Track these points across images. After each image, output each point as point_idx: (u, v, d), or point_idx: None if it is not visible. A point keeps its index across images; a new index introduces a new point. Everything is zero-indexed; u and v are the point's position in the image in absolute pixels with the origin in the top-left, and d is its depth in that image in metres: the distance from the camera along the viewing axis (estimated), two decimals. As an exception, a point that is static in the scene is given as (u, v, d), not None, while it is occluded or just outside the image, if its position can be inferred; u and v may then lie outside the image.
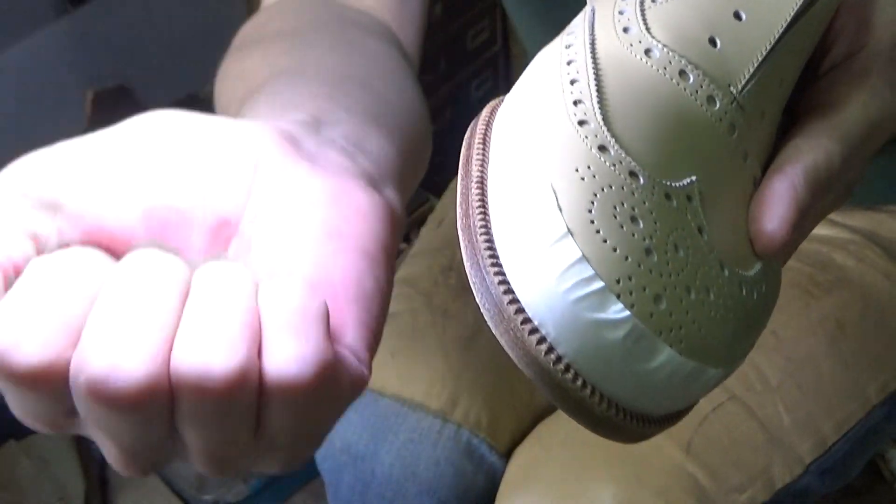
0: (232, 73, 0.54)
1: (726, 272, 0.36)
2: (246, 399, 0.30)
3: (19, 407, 0.31)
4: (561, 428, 0.74)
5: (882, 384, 0.74)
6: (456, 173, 1.05)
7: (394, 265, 0.37)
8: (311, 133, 0.39)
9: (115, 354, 0.28)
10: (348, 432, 0.77)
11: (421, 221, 1.30)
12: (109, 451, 0.32)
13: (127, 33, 1.32)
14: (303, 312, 0.31)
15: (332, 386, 0.31)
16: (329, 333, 0.31)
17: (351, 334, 0.33)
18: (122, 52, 1.32)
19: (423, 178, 1.67)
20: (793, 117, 0.42)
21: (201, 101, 1.42)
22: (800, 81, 0.42)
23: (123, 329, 0.29)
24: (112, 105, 1.33)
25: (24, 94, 1.25)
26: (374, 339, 0.35)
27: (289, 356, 0.30)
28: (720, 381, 0.37)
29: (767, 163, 0.40)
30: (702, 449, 0.70)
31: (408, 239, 1.42)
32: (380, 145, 0.42)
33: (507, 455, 0.77)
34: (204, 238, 0.34)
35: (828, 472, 0.73)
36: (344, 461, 0.78)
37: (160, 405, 0.29)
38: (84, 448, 1.31)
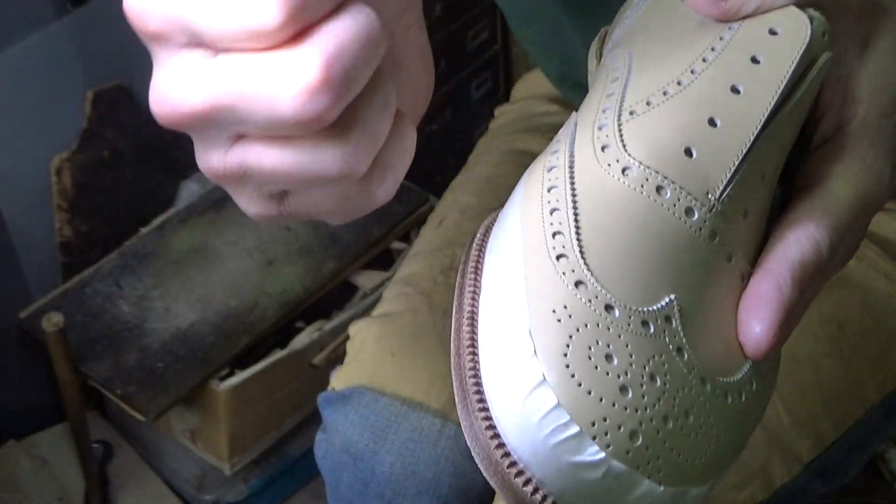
0: None
1: (708, 387, 0.37)
2: None
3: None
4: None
5: (881, 383, 0.74)
6: (455, 173, 1.05)
7: None
8: None
9: None
10: (348, 431, 0.77)
11: (422, 222, 1.30)
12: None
13: (127, 33, 1.31)
14: None
15: None
16: None
17: None
18: (122, 52, 1.32)
19: (423, 179, 1.67)
20: (788, 187, 0.42)
21: (201, 101, 1.42)
22: (796, 150, 0.42)
23: None
24: (112, 105, 1.33)
25: (24, 94, 1.25)
26: None
27: None
28: (706, 494, 0.38)
29: (758, 254, 0.40)
30: (701, 448, 0.70)
31: (408, 239, 1.42)
32: None
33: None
34: None
35: (826, 471, 0.73)
36: (344, 460, 0.78)
37: None
38: (84, 448, 1.31)
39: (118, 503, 1.36)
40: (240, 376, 1.25)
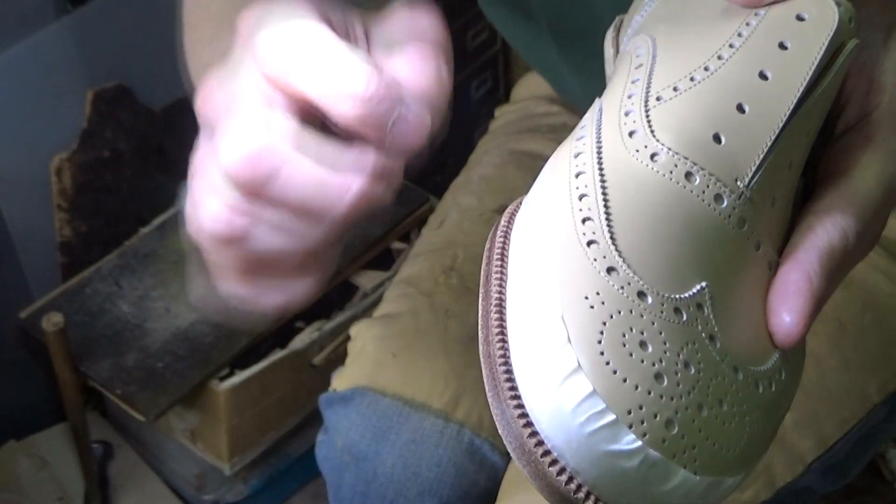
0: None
1: (740, 376, 0.37)
2: None
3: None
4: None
5: (882, 383, 0.74)
6: (456, 173, 1.05)
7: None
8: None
9: None
10: (350, 432, 0.77)
11: (422, 222, 1.30)
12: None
13: (127, 33, 1.32)
14: None
15: None
16: None
17: None
18: (122, 52, 1.32)
19: (423, 178, 1.66)
20: (811, 178, 0.42)
21: (201, 101, 1.42)
22: (817, 141, 0.42)
23: None
24: (112, 105, 1.33)
25: (24, 94, 1.25)
26: None
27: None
28: (739, 484, 0.38)
29: (784, 243, 0.40)
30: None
31: (408, 239, 1.42)
32: None
33: (509, 454, 0.77)
34: None
35: (829, 470, 0.73)
36: (346, 461, 0.78)
37: None
38: (84, 448, 1.31)
39: (118, 503, 1.36)
40: (240, 376, 1.25)
